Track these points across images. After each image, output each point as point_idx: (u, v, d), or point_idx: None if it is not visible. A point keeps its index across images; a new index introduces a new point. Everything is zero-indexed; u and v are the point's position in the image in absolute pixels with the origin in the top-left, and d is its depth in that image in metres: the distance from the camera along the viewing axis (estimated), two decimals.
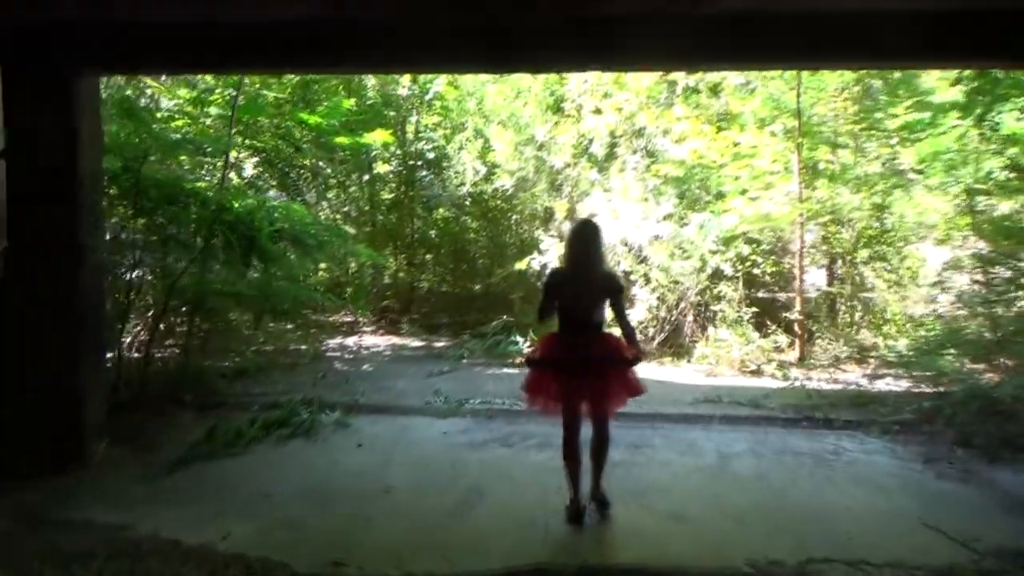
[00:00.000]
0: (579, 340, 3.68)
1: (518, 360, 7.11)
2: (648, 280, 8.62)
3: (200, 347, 7.12)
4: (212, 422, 5.28)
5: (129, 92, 6.79)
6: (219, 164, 7.13)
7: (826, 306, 9.73)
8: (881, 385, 7.35)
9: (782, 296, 9.51)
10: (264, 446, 5.03)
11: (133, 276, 5.90)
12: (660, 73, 9.23)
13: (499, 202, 10.32)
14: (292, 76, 7.59)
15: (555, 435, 3.86)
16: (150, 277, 6.16)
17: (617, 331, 3.84)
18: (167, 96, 7.70)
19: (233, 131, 6.71)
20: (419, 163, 10.13)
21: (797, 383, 7.34)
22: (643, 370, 7.77)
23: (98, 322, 4.78)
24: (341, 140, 7.76)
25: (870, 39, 4.11)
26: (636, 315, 8.46)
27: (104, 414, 4.86)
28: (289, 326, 8.16)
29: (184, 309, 6.36)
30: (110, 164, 5.34)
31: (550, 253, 8.88)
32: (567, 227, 9.02)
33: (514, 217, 10.35)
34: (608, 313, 3.84)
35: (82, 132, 4.41)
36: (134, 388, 5.88)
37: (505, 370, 7.92)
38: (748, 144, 8.72)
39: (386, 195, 11.36)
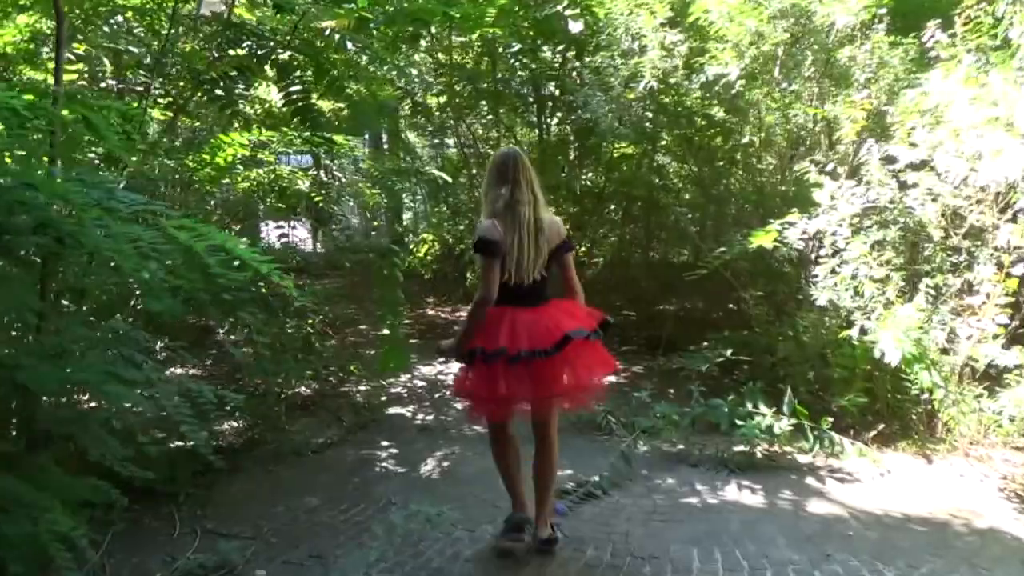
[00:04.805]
0: (531, 314, 2.64)
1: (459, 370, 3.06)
2: None
3: None
4: None
5: None
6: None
7: None
8: None
9: None
10: None
11: None
12: None
13: (715, 111, 5.43)
14: None
15: None
16: None
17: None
18: None
19: None
20: (559, 50, 5.46)
21: None
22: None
23: None
24: None
25: None
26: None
27: None
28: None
29: None
30: None
31: (839, 211, 4.03)
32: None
33: (745, 139, 5.44)
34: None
35: None
36: None
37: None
38: None
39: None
